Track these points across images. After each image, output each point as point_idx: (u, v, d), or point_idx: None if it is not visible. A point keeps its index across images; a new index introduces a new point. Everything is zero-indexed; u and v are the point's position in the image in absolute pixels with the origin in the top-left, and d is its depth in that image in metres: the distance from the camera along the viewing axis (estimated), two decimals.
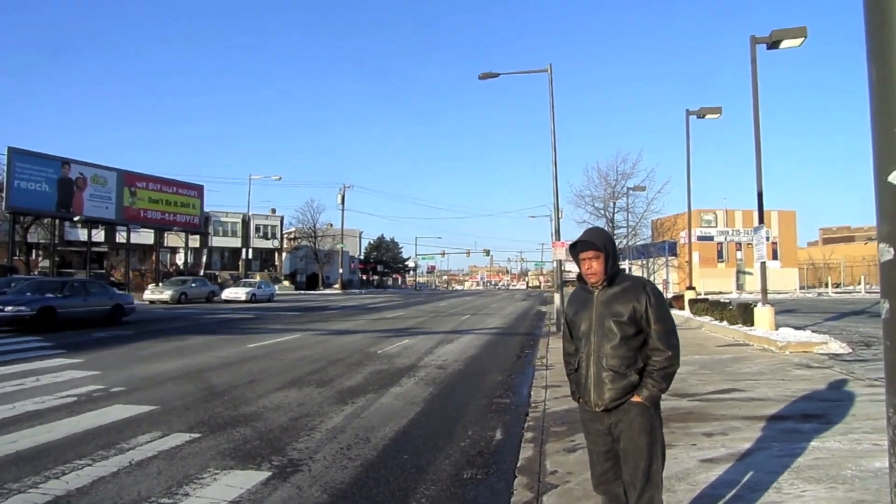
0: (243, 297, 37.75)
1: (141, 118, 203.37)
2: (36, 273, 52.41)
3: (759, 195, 14.60)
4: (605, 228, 45.93)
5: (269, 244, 75.33)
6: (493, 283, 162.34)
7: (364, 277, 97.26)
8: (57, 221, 47.99)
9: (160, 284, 38.48)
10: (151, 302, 33.49)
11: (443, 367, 10.91)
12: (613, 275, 3.03)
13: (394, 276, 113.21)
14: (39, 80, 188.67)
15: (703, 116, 23.20)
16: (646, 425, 2.90)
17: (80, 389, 8.36)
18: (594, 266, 3.01)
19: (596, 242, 3.02)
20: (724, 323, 15.99)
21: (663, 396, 3.01)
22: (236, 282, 47.51)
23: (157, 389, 8.49)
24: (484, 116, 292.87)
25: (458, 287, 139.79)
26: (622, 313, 2.92)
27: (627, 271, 3.22)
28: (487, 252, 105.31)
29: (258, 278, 60.24)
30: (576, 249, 3.05)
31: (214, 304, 35.33)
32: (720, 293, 43.52)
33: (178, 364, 10.91)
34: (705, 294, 33.20)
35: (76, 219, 45.33)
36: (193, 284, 37.33)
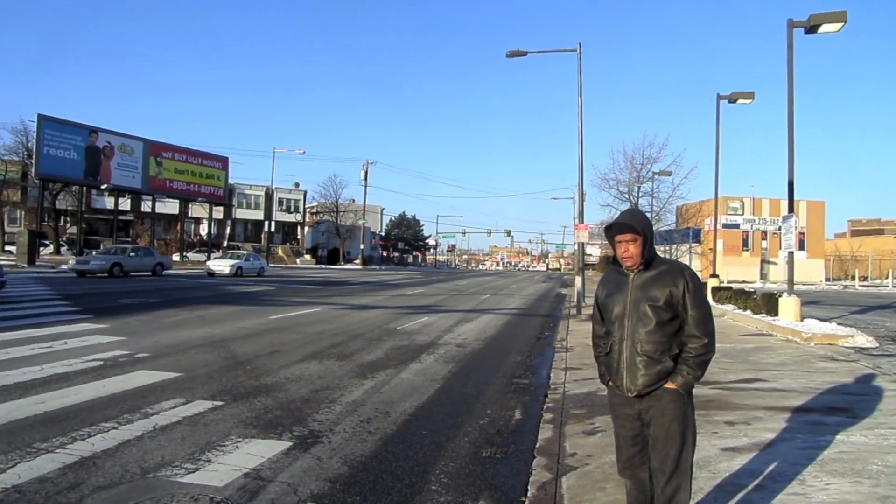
0: (227, 271, 33.83)
1: (166, 90, 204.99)
2: (63, 239, 53.39)
3: (790, 184, 14.29)
4: None
5: (291, 218, 75.93)
6: (512, 263, 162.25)
7: (385, 254, 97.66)
8: (84, 189, 48.73)
9: (95, 252, 33.72)
10: (80, 274, 27.47)
11: (462, 346, 10.94)
12: (650, 258, 2.96)
13: (414, 253, 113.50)
14: (64, 51, 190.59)
15: (735, 101, 22.70)
16: (679, 412, 2.86)
17: (106, 354, 8.51)
18: (631, 249, 2.94)
19: (634, 225, 2.94)
20: (748, 312, 15.78)
21: None
22: (225, 252, 43.03)
23: (180, 357, 8.62)
24: (508, 97, 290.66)
25: (481, 267, 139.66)
26: (658, 298, 2.86)
27: None
28: (508, 233, 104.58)
29: (295, 249, 60.70)
30: (612, 231, 2.98)
31: (164, 277, 29.94)
32: (744, 282, 42.97)
33: (201, 333, 11.06)
34: (728, 282, 32.84)
35: (103, 187, 45.98)
36: (133, 254, 30.69)
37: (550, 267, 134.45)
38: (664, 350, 2.85)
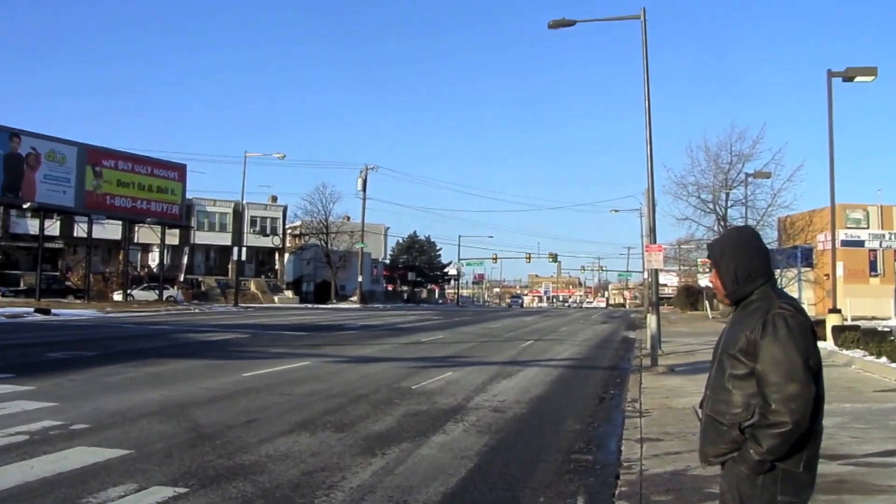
0: None
1: (107, 84, 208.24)
2: None
3: None
4: (716, 227, 45.14)
5: (267, 242, 75.95)
6: (561, 298, 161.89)
7: (390, 288, 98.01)
8: (1, 209, 49.64)
9: None
10: None
11: (500, 410, 10.89)
12: (744, 293, 3.04)
13: (429, 286, 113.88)
14: None
15: (852, 79, 22.58)
16: (751, 497, 2.87)
17: (32, 426, 8.56)
18: (716, 280, 3.14)
19: (712, 248, 3.12)
20: (884, 360, 15.56)
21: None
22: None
23: (129, 428, 8.66)
24: (551, 81, 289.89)
25: (521, 302, 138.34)
26: (734, 345, 2.94)
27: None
28: (554, 257, 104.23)
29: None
30: None
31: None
32: (874, 318, 42.31)
33: (155, 396, 11.12)
34: (853, 319, 32.32)
35: (26, 206, 46.87)
36: None
37: (613, 302, 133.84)
38: (734, 413, 2.88)
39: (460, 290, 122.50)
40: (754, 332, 2.87)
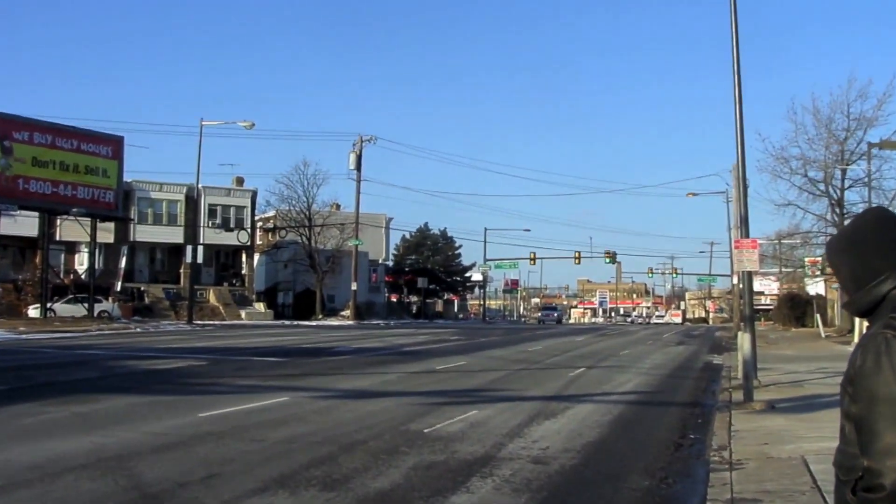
0: None
1: (20, 38, 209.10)
2: None
3: None
4: (829, 216, 44.75)
5: (231, 238, 75.54)
6: (621, 311, 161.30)
7: (394, 298, 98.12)
8: None
9: None
10: None
11: (542, 461, 10.85)
12: (874, 299, 2.84)
13: (446, 296, 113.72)
14: None
15: None
16: None
17: None
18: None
19: (830, 242, 3.08)
20: None
21: None
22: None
23: (50, 487, 8.68)
24: (605, 28, 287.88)
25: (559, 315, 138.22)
26: (846, 374, 2.80)
27: None
28: (612, 257, 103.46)
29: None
30: None
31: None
32: None
33: (83, 443, 11.15)
34: None
35: None
36: None
37: (690, 316, 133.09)
38: (849, 467, 2.74)
39: (487, 302, 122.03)
40: (853, 363, 2.75)
